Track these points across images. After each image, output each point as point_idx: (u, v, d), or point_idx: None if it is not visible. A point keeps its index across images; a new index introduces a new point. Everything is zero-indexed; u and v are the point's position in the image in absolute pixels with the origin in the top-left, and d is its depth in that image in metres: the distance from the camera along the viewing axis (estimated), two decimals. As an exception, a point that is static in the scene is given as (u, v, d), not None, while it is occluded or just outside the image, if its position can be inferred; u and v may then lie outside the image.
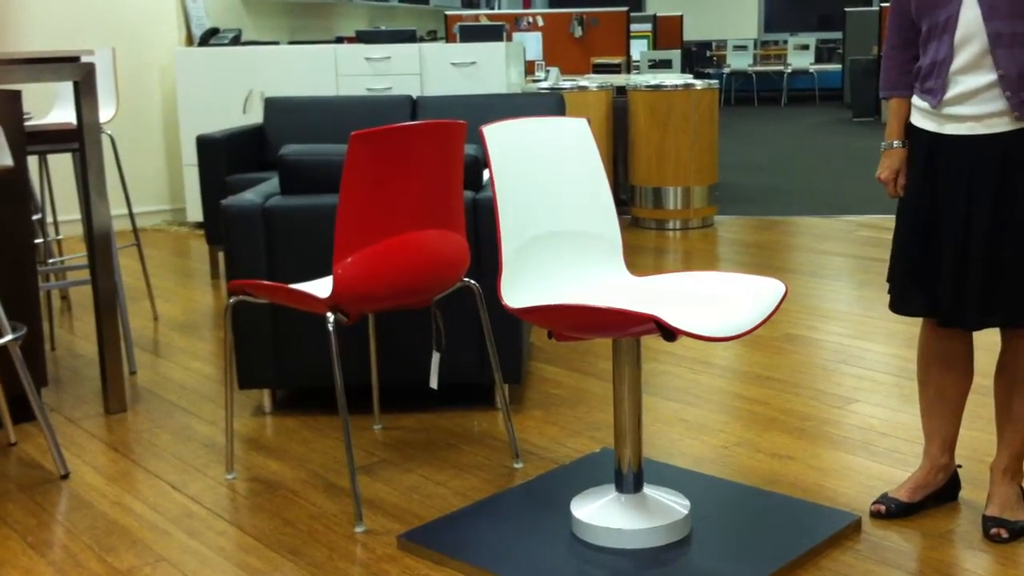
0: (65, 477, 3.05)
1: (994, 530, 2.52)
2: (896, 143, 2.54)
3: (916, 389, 3.58)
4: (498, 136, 2.58)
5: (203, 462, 3.15)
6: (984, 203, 2.38)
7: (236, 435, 3.33)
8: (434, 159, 2.76)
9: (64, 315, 4.93)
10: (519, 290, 2.51)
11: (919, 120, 2.49)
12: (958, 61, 2.35)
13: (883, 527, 2.62)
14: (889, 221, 6.72)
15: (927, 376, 2.65)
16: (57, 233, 5.22)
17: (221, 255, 5.59)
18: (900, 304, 2.57)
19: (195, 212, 6.86)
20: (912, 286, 2.52)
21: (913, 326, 4.39)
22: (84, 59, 3.45)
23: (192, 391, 3.81)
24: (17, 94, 3.46)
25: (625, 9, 10.22)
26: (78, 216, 5.32)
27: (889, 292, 2.59)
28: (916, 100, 2.50)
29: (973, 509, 2.70)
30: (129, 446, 3.30)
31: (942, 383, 2.62)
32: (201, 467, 3.11)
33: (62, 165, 6.22)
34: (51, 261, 4.80)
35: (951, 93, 2.38)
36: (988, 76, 2.32)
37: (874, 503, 2.68)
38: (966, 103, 2.37)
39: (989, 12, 2.29)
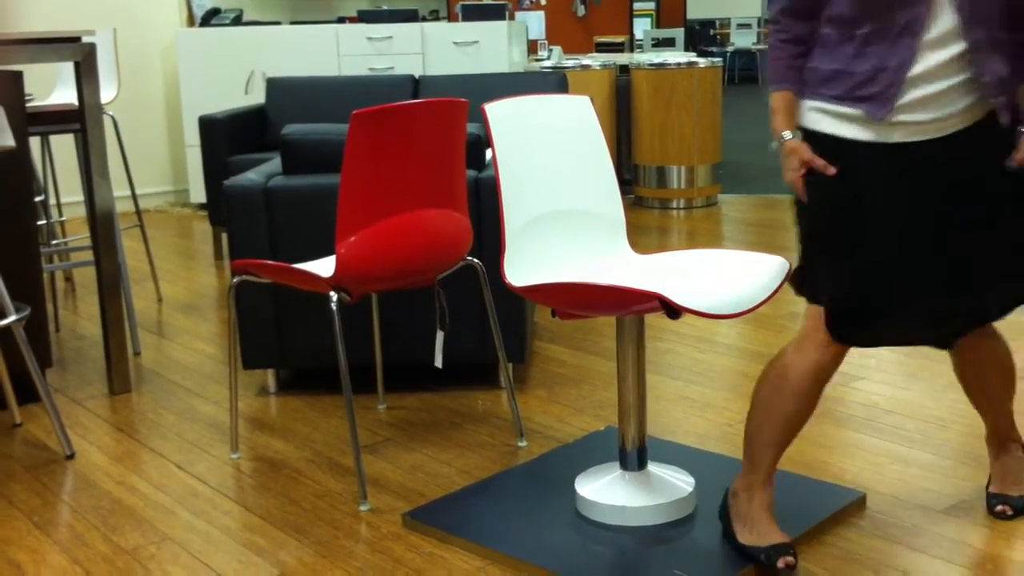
0: (70, 457, 3.06)
1: (999, 507, 2.52)
2: (793, 134, 2.24)
3: (921, 366, 3.59)
4: (500, 114, 2.57)
5: (207, 442, 3.15)
6: (970, 206, 2.20)
7: (240, 415, 3.33)
8: (436, 138, 2.75)
9: (68, 296, 4.93)
10: (522, 268, 2.50)
11: (844, 129, 2.19)
12: (921, 66, 2.12)
13: (889, 504, 2.62)
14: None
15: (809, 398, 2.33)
16: (60, 215, 5.21)
17: (224, 236, 5.59)
18: (869, 338, 2.29)
19: (198, 193, 6.85)
20: (882, 316, 2.23)
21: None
22: (85, 39, 3.44)
23: (196, 371, 3.81)
24: (19, 75, 3.45)
25: (627, -13, 10.17)
26: (81, 198, 5.32)
27: (839, 327, 2.25)
28: (835, 107, 2.20)
29: (977, 484, 2.70)
30: (134, 426, 3.31)
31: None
32: (206, 447, 3.12)
33: (65, 146, 6.21)
34: (54, 242, 4.80)
35: (906, 99, 2.13)
36: (953, 80, 2.14)
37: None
38: (923, 109, 2.16)
39: (971, 17, 2.09)
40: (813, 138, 2.24)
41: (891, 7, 2.10)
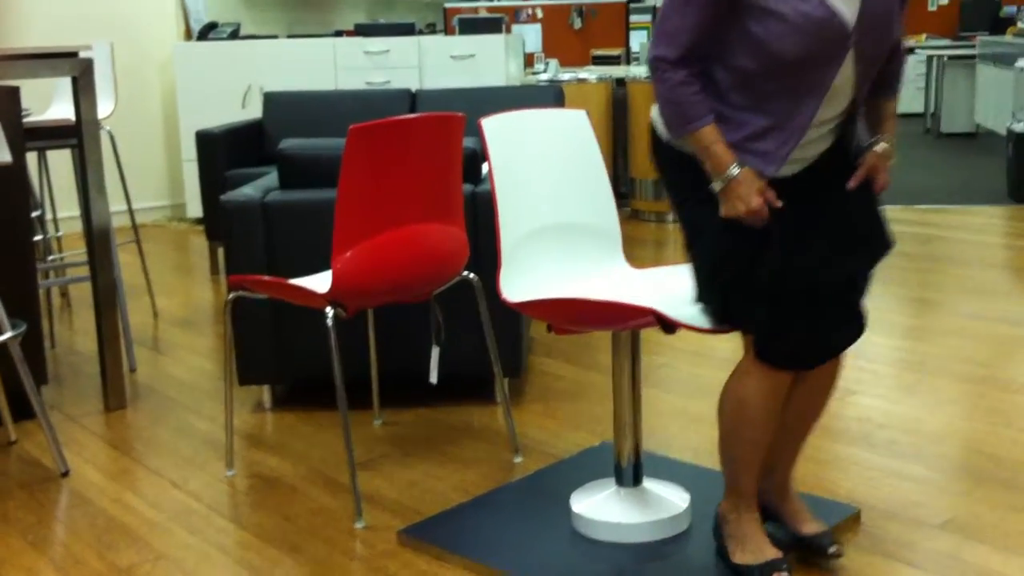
0: (65, 475, 3.05)
1: (832, 548, 2.37)
2: (738, 166, 2.14)
3: (916, 380, 3.60)
4: (497, 129, 2.57)
5: (203, 459, 3.15)
6: (830, 203, 2.24)
7: (236, 431, 3.32)
8: (433, 152, 2.75)
9: (64, 312, 4.93)
10: (518, 283, 2.50)
11: None
12: (816, 120, 2.15)
13: (883, 519, 2.61)
14: (890, 211, 6.71)
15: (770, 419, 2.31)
16: (57, 230, 5.21)
17: (221, 251, 5.58)
18: (806, 355, 2.23)
19: (195, 208, 6.84)
20: (808, 326, 2.20)
21: (916, 317, 4.39)
22: (82, 54, 3.45)
23: (192, 387, 3.81)
24: (15, 90, 3.45)
25: (624, 0, 10.20)
26: (77, 212, 5.32)
27: (773, 354, 2.21)
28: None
29: (972, 498, 2.70)
30: (129, 443, 3.30)
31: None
32: (201, 464, 3.11)
33: (61, 161, 6.21)
34: (50, 258, 4.80)
35: (795, 154, 2.17)
36: (831, 127, 2.19)
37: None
38: (801, 158, 2.20)
39: (863, 74, 2.14)
40: (695, 162, 2.20)
41: (802, 69, 2.08)
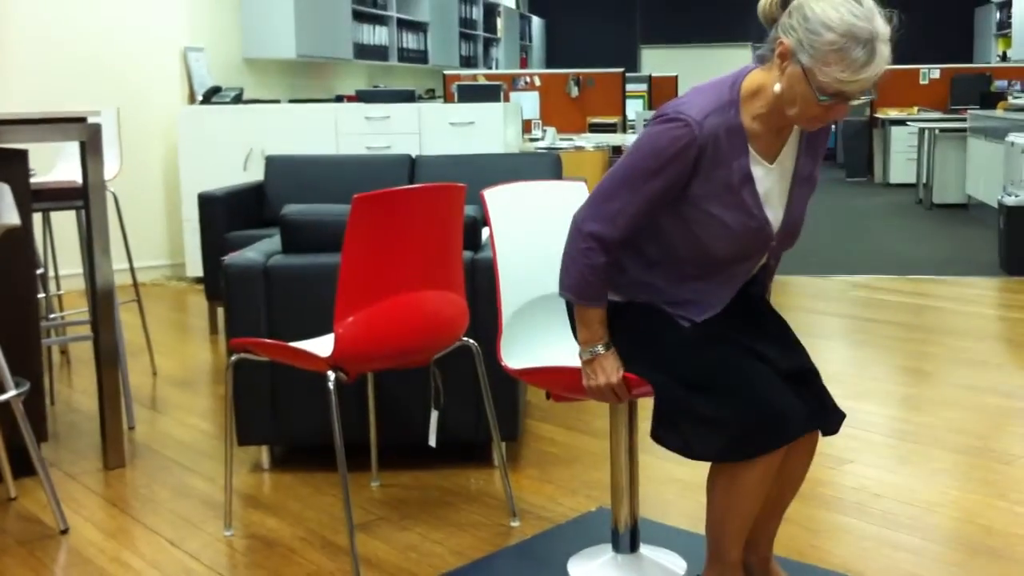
0: (64, 532, 3.06)
1: None
2: (605, 347, 2.33)
3: (911, 450, 3.63)
4: (499, 199, 2.63)
5: (201, 518, 3.16)
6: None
7: (234, 491, 3.34)
8: (435, 221, 2.81)
9: (63, 369, 4.95)
10: (518, 351, 2.55)
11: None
12: (731, 295, 2.36)
13: (877, 588, 2.63)
14: (883, 281, 6.79)
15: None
16: (58, 288, 5.25)
17: (220, 310, 5.62)
18: (782, 434, 2.25)
19: (194, 267, 6.89)
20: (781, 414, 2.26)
21: (910, 387, 4.43)
22: (90, 119, 3.52)
23: (190, 447, 3.83)
24: (24, 153, 3.51)
25: (621, 70, 10.37)
26: (78, 270, 5.37)
27: (754, 446, 2.24)
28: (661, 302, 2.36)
29: (966, 569, 2.71)
30: (127, 502, 3.31)
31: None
32: (199, 523, 3.12)
33: (63, 219, 6.27)
34: (52, 316, 4.83)
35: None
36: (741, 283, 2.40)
37: None
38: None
39: (775, 256, 2.41)
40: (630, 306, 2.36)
41: (728, 265, 2.30)
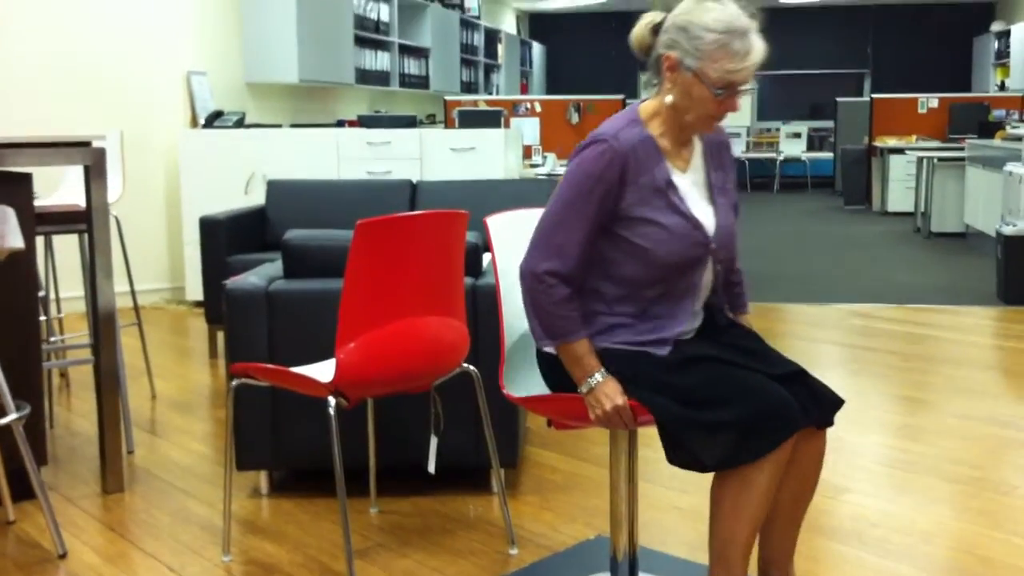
0: (63, 556, 3.06)
1: None
2: (602, 375, 2.37)
3: (908, 480, 3.64)
4: (501, 226, 2.65)
5: (200, 544, 3.16)
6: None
7: (232, 516, 3.34)
8: (437, 247, 2.83)
9: (62, 392, 4.96)
10: (520, 379, 2.56)
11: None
12: (694, 317, 2.49)
13: (875, 619, 2.63)
14: (881, 310, 6.80)
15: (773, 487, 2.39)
16: (59, 311, 5.26)
17: (220, 334, 5.63)
18: (783, 431, 2.30)
19: (194, 291, 6.91)
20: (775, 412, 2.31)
21: (908, 416, 4.44)
22: (95, 143, 3.54)
23: (189, 472, 3.83)
24: (28, 177, 3.53)
25: (620, 96, 10.42)
26: (78, 293, 5.38)
27: (759, 445, 2.29)
28: (617, 347, 2.43)
29: (964, 602, 2.72)
30: (126, 526, 3.32)
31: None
32: (198, 549, 3.12)
33: (64, 241, 6.29)
34: (52, 339, 4.84)
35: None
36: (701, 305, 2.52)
37: None
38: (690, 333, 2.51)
39: (722, 269, 2.51)
40: (606, 352, 2.42)
41: (679, 274, 2.41)
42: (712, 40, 2.30)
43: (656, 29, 2.40)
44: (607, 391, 2.36)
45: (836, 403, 2.42)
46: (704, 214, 2.45)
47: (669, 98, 2.39)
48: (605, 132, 2.39)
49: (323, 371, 2.90)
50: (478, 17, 14.39)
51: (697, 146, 2.51)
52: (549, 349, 2.46)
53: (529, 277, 2.37)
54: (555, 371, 2.47)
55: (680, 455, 2.35)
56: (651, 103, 2.45)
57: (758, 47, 2.33)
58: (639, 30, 2.42)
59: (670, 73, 2.36)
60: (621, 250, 2.40)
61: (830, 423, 2.43)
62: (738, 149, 17.14)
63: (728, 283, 2.59)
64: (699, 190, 2.48)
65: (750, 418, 2.27)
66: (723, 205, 2.50)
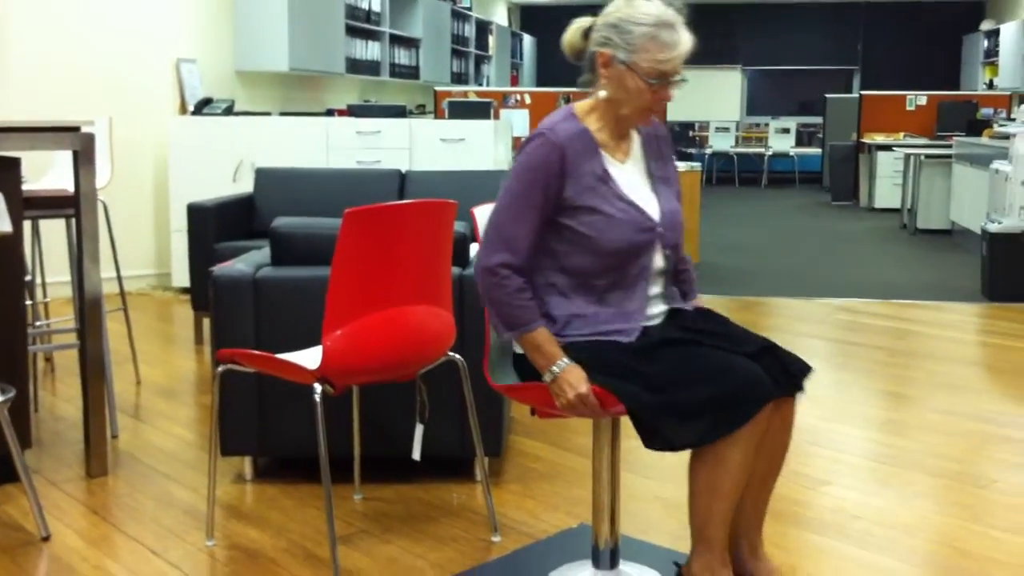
0: (46, 539, 3.07)
1: None
2: (564, 361, 2.41)
3: (890, 473, 3.66)
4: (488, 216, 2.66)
5: (183, 528, 3.17)
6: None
7: (216, 501, 3.35)
8: (425, 237, 2.84)
9: (47, 376, 4.95)
10: (505, 368, 2.57)
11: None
12: (650, 302, 2.53)
13: (854, 609, 2.66)
14: (866, 305, 6.84)
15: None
16: (45, 295, 5.25)
17: (206, 321, 5.63)
18: (758, 395, 2.36)
19: (180, 277, 6.90)
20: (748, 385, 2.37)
21: (890, 411, 4.47)
22: (84, 129, 3.53)
23: (173, 456, 3.83)
24: (16, 161, 3.53)
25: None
26: (64, 278, 5.37)
27: (736, 416, 2.34)
28: (580, 339, 2.47)
29: (942, 593, 2.74)
30: (110, 510, 3.32)
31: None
32: (181, 533, 3.13)
33: (50, 225, 6.27)
34: (38, 324, 4.83)
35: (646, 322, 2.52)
36: (660, 292, 2.59)
37: None
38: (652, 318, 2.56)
39: (671, 254, 2.56)
40: (573, 346, 2.46)
41: (629, 260, 2.47)
42: (642, 33, 2.41)
43: (587, 33, 2.51)
44: (570, 379, 2.39)
45: (804, 370, 2.47)
46: (646, 201, 2.53)
47: (603, 93, 2.49)
48: (542, 126, 2.49)
49: (309, 358, 2.90)
50: (469, 8, 14.38)
51: (635, 139, 2.60)
52: (518, 349, 2.50)
53: (483, 272, 2.44)
54: (525, 363, 2.50)
55: (655, 441, 2.37)
56: (587, 101, 2.56)
57: (686, 38, 2.43)
58: (570, 35, 2.54)
59: (604, 69, 2.47)
60: (567, 240, 2.47)
61: (800, 388, 2.47)
62: (726, 144, 17.16)
63: (675, 270, 2.64)
64: (641, 178, 2.57)
65: (723, 396, 2.31)
66: (666, 192, 2.59)
